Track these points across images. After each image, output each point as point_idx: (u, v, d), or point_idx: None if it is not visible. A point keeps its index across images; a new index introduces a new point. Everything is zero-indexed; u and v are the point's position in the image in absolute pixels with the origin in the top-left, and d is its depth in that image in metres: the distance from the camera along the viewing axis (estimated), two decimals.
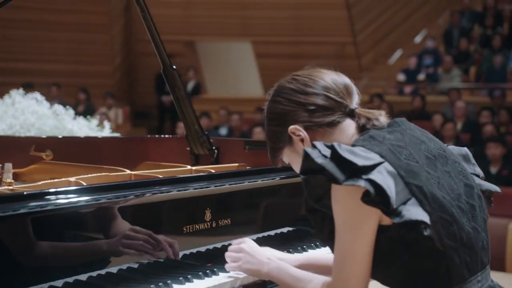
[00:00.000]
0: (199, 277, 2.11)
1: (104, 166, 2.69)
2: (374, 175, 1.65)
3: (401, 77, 12.62)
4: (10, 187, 2.31)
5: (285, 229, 2.65)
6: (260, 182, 2.55)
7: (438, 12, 15.41)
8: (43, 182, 2.40)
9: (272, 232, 2.59)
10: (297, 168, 1.89)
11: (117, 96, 13.37)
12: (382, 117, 1.85)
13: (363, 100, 1.95)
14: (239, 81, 14.93)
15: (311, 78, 1.88)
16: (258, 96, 13.92)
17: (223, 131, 10.76)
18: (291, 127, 1.86)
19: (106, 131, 4.87)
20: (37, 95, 4.81)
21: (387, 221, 1.70)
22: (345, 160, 1.67)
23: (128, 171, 2.61)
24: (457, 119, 9.97)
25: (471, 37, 13.59)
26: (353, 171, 1.66)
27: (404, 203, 1.67)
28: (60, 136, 3.88)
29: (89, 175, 2.46)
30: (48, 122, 4.62)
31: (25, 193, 1.90)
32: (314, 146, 1.73)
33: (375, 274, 1.77)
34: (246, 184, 2.50)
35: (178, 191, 2.23)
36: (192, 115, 3.06)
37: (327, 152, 1.70)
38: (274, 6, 13.94)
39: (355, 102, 1.88)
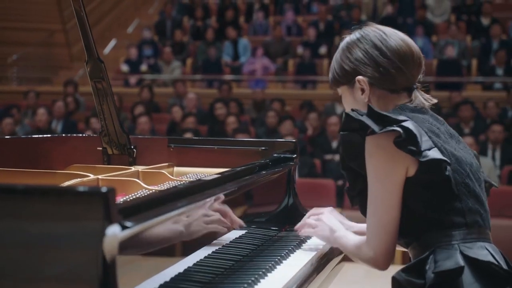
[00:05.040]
0: (304, 241, 2.48)
1: (57, 171, 2.49)
2: (404, 123, 1.90)
3: (125, 68, 12.13)
4: None
5: None
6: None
7: (147, 2, 15.19)
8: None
9: None
10: (346, 106, 2.15)
11: None
12: (427, 103, 2.09)
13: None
14: None
15: (397, 44, 2.05)
16: None
17: None
18: (360, 77, 2.07)
19: None
20: None
21: (411, 171, 1.93)
22: (380, 115, 1.93)
23: (92, 176, 2.47)
24: (190, 111, 9.87)
25: (184, 28, 13.63)
26: (387, 122, 1.91)
27: (428, 149, 1.92)
28: None
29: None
30: None
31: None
32: (353, 110, 1.99)
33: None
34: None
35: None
36: (114, 113, 2.85)
37: (364, 113, 1.96)
38: None
39: (418, 77, 2.10)
